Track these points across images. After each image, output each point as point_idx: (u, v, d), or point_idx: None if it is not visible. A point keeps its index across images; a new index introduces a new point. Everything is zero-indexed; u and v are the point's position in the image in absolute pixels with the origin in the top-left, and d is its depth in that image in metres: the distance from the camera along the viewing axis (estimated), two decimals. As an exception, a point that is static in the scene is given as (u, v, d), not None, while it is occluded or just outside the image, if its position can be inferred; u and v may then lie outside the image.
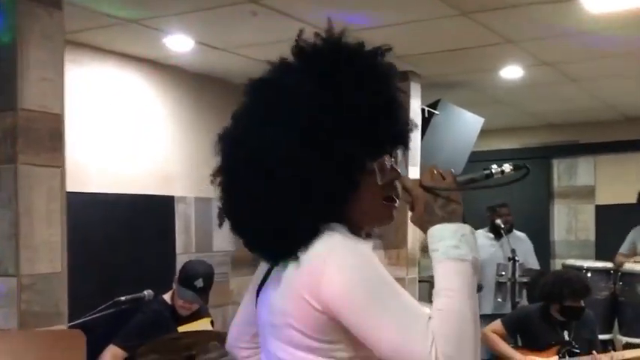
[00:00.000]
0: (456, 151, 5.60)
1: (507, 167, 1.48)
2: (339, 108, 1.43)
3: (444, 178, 1.47)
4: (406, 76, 5.30)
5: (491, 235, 7.05)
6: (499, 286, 6.85)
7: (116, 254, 4.50)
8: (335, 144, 1.42)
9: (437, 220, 1.43)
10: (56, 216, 2.75)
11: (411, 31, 4.31)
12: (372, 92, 1.48)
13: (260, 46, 4.39)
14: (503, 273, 6.78)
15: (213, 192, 1.48)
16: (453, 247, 1.38)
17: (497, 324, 4.74)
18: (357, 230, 1.50)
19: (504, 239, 6.74)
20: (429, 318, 1.31)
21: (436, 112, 5.52)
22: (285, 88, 1.47)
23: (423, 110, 5.49)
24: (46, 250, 2.71)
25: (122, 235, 4.57)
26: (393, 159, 1.55)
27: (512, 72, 5.38)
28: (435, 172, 1.49)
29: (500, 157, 8.08)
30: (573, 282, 4.29)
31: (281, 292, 1.45)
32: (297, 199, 1.41)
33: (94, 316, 3.78)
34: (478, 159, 7.46)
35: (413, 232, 5.34)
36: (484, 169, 1.49)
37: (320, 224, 1.42)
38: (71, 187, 4.21)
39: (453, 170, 1.50)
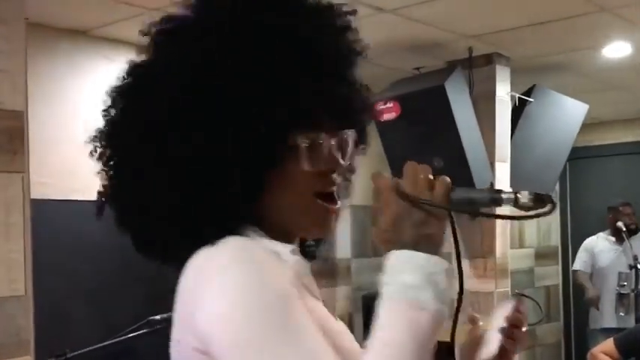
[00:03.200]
0: (554, 145, 4.86)
1: (525, 196, 1.03)
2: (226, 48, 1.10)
3: (431, 188, 1.04)
4: (490, 59, 4.64)
5: (613, 239, 6.36)
6: (620, 297, 6.07)
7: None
8: (220, 103, 1.09)
9: (405, 242, 1.03)
10: (17, 229, 2.36)
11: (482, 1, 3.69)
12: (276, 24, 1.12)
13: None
14: (625, 283, 6.00)
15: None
16: (413, 286, 0.99)
17: (609, 344, 4.14)
18: (283, 236, 1.15)
19: (627, 243, 5.99)
20: None
21: (530, 99, 4.80)
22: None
23: (513, 98, 4.80)
24: (3, 270, 2.32)
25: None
26: (337, 142, 1.18)
27: (617, 49, 4.58)
28: (422, 176, 1.05)
29: (613, 152, 7.19)
30: None
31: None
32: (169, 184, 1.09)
33: (124, 337, 3.47)
34: (584, 155, 6.66)
35: (502, 238, 4.65)
36: (492, 190, 1.07)
37: (215, 222, 1.08)
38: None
39: (448, 180, 1.07)
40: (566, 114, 4.92)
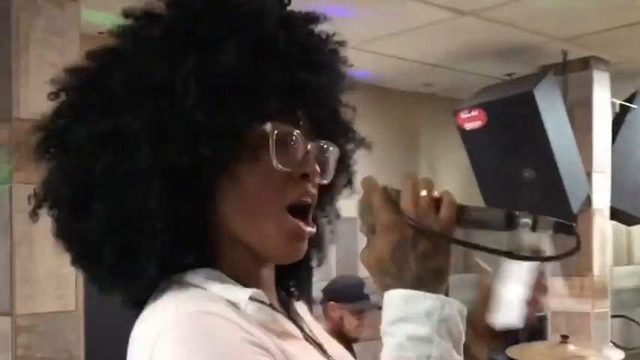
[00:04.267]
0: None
1: (545, 224, 0.87)
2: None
3: (437, 210, 0.88)
4: (587, 63, 4.34)
5: None
6: None
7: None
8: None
9: (407, 280, 0.86)
10: (68, 244, 2.31)
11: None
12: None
13: (392, 37, 3.76)
14: None
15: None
16: (421, 339, 0.83)
17: None
18: (247, 265, 0.94)
19: None
20: None
21: (633, 105, 4.47)
22: None
23: (613, 105, 4.47)
24: (53, 285, 2.29)
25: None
26: (316, 149, 0.96)
27: None
28: (425, 193, 0.89)
29: None
30: None
31: None
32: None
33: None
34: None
35: (601, 255, 4.32)
36: (507, 212, 0.89)
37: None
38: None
39: (454, 199, 0.90)
40: (674, 121, 4.55)
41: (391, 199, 0.90)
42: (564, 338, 3.60)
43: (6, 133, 2.28)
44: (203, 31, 0.90)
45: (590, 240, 4.23)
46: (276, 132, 0.90)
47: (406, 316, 0.85)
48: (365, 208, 0.92)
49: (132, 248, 0.89)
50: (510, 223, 0.88)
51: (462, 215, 0.90)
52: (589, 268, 4.23)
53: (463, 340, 0.87)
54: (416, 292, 0.85)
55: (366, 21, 3.64)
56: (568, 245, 0.88)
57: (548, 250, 0.94)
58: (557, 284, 4.33)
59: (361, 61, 4.38)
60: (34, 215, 0.98)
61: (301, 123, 0.94)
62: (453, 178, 4.88)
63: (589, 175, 4.22)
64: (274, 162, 0.90)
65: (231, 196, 0.91)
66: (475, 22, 3.68)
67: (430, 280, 0.86)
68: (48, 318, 2.28)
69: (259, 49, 0.90)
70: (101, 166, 0.88)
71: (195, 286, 0.89)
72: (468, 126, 3.97)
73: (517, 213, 0.88)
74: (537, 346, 3.79)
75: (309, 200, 0.94)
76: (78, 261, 0.97)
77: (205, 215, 0.91)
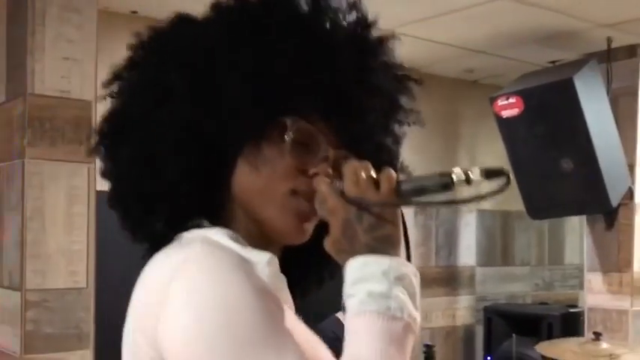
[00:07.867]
0: None
1: (475, 173, 0.95)
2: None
3: (377, 186, 0.97)
4: (634, 51, 4.17)
5: None
6: None
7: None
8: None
9: (359, 250, 0.96)
10: (81, 220, 2.31)
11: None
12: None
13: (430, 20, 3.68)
14: None
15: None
16: (379, 295, 0.92)
17: None
18: (256, 238, 1.02)
19: None
20: None
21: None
22: None
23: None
24: (64, 261, 2.29)
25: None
26: (334, 155, 1.06)
27: None
28: (364, 173, 0.98)
29: None
30: None
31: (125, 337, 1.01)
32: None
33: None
34: None
35: (643, 251, 4.15)
36: (442, 174, 0.97)
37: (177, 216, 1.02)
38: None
39: (393, 173, 0.99)
40: None
41: (336, 186, 0.98)
42: (597, 335, 3.49)
43: (20, 108, 2.28)
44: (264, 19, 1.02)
45: (632, 235, 4.08)
46: (295, 127, 1.01)
47: (364, 276, 0.93)
48: (319, 201, 1.00)
49: (150, 199, 1.01)
50: (447, 183, 0.94)
51: (400, 187, 0.97)
52: (629, 263, 4.07)
53: (419, 298, 0.95)
54: (372, 256, 0.94)
55: (404, 3, 3.56)
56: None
57: None
58: (594, 280, 4.19)
59: (397, 45, 4.29)
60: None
61: (334, 132, 1.04)
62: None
63: (632, 168, 4.06)
64: (286, 151, 1.01)
65: (247, 174, 1.02)
66: (516, 6, 3.56)
67: (381, 247, 0.95)
68: (58, 294, 2.28)
69: (321, 53, 1.02)
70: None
71: (214, 241, 0.96)
72: (505, 114, 3.85)
73: (450, 171, 0.95)
74: (569, 343, 3.69)
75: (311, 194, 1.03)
76: (113, 202, 1.06)
77: (223, 185, 1.03)
